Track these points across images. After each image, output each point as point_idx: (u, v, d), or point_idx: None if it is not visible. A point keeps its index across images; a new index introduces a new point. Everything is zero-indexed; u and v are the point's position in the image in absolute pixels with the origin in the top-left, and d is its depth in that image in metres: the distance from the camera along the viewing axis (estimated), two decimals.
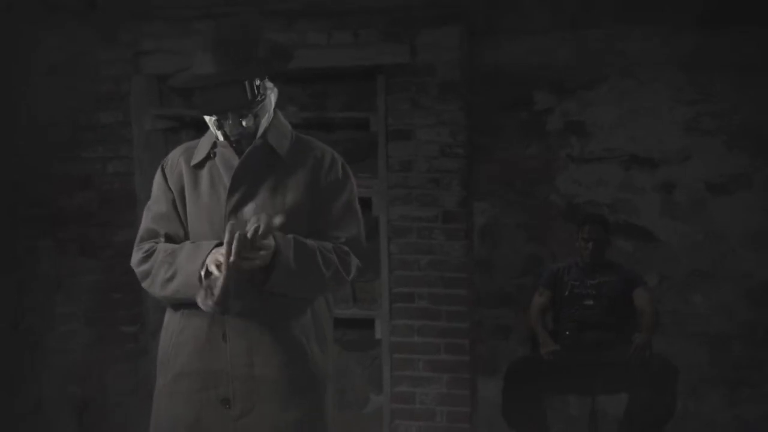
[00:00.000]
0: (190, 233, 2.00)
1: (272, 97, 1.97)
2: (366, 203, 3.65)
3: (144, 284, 2.02)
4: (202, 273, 1.84)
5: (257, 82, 1.88)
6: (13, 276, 3.86)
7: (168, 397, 1.98)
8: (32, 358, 3.91)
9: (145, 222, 2.07)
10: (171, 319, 2.01)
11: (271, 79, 1.99)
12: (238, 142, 1.95)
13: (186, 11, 3.63)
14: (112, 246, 3.77)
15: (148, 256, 2.00)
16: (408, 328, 3.62)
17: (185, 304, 1.95)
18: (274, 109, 2.00)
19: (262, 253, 1.79)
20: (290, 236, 1.88)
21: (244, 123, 1.92)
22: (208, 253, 1.85)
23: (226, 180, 1.95)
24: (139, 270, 2.02)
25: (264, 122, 1.96)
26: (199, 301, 1.82)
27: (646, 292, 3.58)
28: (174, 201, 2.02)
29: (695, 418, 3.76)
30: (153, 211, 2.06)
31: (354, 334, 3.82)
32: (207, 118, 1.96)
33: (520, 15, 3.79)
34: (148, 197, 3.86)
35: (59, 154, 3.79)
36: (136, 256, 2.04)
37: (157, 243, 2.01)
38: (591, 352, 3.49)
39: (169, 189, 2.03)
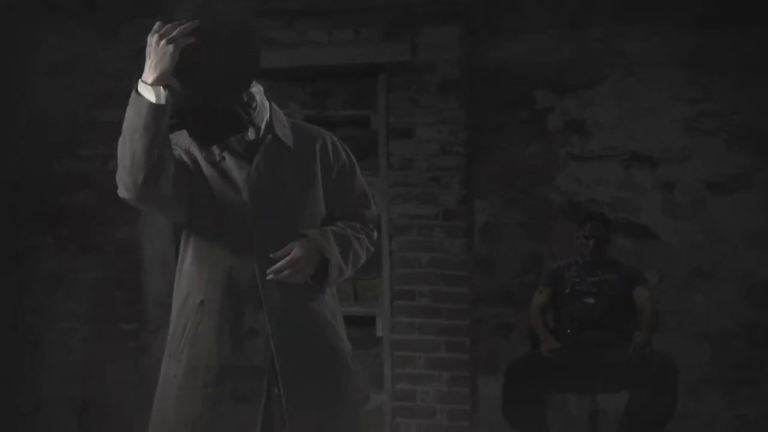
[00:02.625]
0: (194, 225, 1.94)
1: (259, 93, 1.93)
2: None
3: (123, 192, 1.81)
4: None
5: (245, 99, 1.86)
6: (14, 274, 3.87)
7: (178, 389, 1.92)
8: (32, 357, 3.91)
9: None
10: (186, 310, 1.94)
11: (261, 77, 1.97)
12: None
13: None
14: (112, 244, 3.77)
15: None
16: (409, 326, 3.63)
17: (204, 296, 1.90)
18: (268, 99, 1.97)
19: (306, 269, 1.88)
20: (329, 232, 1.93)
21: (248, 136, 1.90)
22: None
23: (239, 179, 1.91)
24: (118, 184, 1.81)
25: (264, 118, 1.94)
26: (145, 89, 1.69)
27: (647, 290, 3.57)
28: (187, 164, 1.89)
29: (695, 418, 3.76)
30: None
31: (355, 332, 3.79)
32: None
33: (520, 14, 3.80)
34: None
35: (59, 152, 3.79)
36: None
37: None
38: (591, 350, 3.48)
39: (185, 154, 1.91)
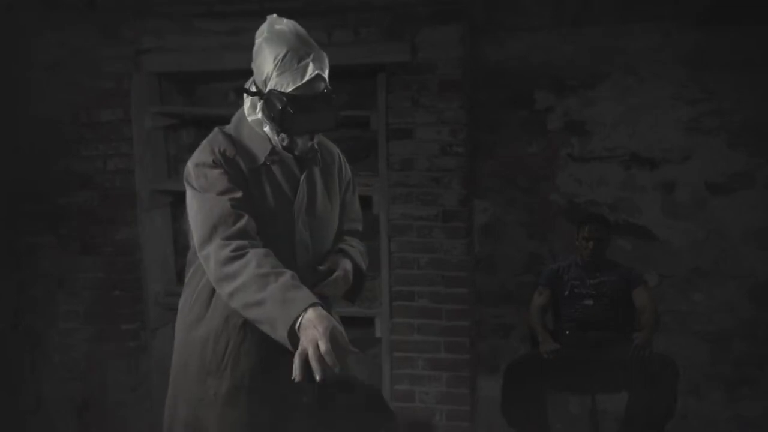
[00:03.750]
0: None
1: None
2: (366, 201, 3.65)
3: (221, 285, 1.79)
4: (293, 329, 1.71)
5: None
6: (14, 274, 3.87)
7: (221, 408, 1.90)
8: (32, 357, 3.91)
9: (221, 207, 1.81)
10: (228, 328, 1.91)
11: None
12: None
13: (187, 8, 3.63)
14: (112, 243, 3.78)
15: (238, 257, 1.76)
16: (408, 327, 3.63)
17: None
18: None
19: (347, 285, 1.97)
20: (357, 250, 2.06)
21: (315, 140, 1.90)
22: (302, 312, 1.69)
23: (287, 189, 1.91)
24: (224, 270, 1.77)
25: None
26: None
27: (647, 291, 3.57)
28: (245, 192, 1.85)
29: (696, 417, 3.76)
30: (226, 197, 1.82)
31: (354, 333, 3.79)
32: (259, 126, 1.90)
33: (521, 13, 3.79)
34: (149, 195, 3.86)
35: (60, 153, 3.79)
36: (222, 251, 1.77)
37: (247, 243, 1.79)
38: (591, 350, 3.48)
39: (237, 179, 1.86)
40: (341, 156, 2.12)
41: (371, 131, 3.60)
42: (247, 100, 1.92)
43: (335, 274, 1.93)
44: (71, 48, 3.72)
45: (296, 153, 1.89)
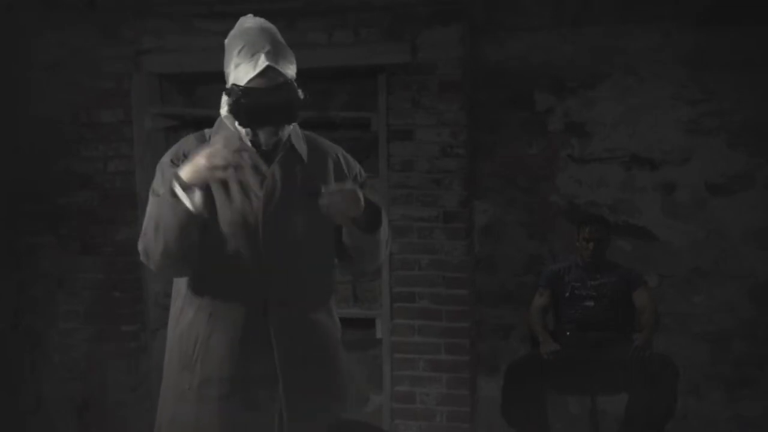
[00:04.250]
0: (211, 248, 1.90)
1: None
2: None
3: (147, 262, 1.88)
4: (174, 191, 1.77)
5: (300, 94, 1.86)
6: (14, 274, 3.87)
7: (196, 402, 1.92)
8: (32, 357, 3.91)
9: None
10: (196, 322, 1.93)
11: None
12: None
13: (187, 8, 3.62)
14: (112, 244, 3.77)
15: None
16: (408, 328, 3.63)
17: (213, 307, 1.90)
18: None
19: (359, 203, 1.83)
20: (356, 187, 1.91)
21: (280, 133, 1.89)
22: (173, 178, 1.77)
23: (256, 187, 1.90)
24: (140, 251, 1.88)
25: (290, 128, 1.93)
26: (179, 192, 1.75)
27: (647, 291, 3.57)
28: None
29: (696, 417, 3.76)
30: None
31: (355, 334, 3.81)
32: (230, 122, 1.90)
33: (521, 13, 3.79)
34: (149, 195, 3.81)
35: (60, 152, 3.79)
36: (139, 243, 1.89)
37: None
38: (591, 351, 3.48)
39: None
40: (344, 156, 2.07)
41: (371, 132, 3.60)
42: (223, 98, 1.94)
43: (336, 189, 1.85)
44: (71, 48, 3.72)
45: (263, 147, 1.90)
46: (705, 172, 3.72)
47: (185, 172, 1.76)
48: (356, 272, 2.05)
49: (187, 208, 1.75)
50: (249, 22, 1.92)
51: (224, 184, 1.88)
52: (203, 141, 1.95)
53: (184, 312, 1.96)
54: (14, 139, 3.80)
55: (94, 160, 3.76)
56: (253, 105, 1.80)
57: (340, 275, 3.89)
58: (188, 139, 2.00)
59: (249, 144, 1.90)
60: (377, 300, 3.73)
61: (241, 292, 1.89)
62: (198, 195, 1.76)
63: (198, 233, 1.81)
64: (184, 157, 1.89)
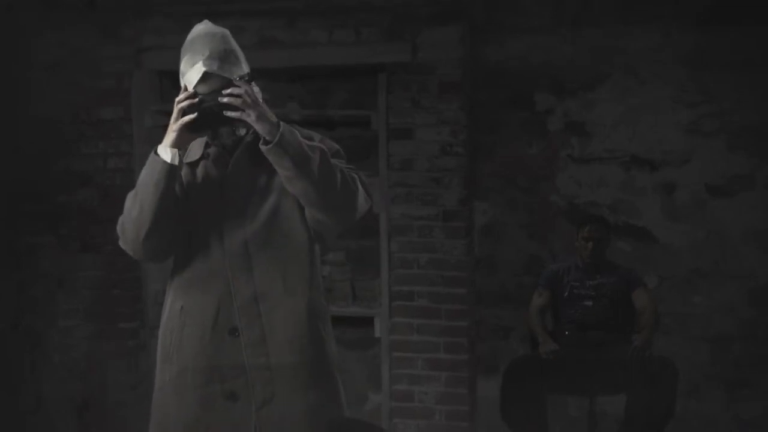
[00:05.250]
0: (182, 242, 1.97)
1: (258, 93, 1.93)
2: None
3: (123, 238, 1.93)
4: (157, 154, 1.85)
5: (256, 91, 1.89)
6: (14, 273, 3.87)
7: (173, 393, 1.97)
8: (32, 357, 3.91)
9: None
10: (171, 315, 2.00)
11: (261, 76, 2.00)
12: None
13: (187, 7, 3.62)
14: (112, 242, 3.70)
15: None
16: (407, 327, 3.63)
17: (185, 300, 1.96)
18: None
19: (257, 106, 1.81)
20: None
21: (238, 132, 1.94)
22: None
23: (217, 175, 1.96)
24: (118, 231, 1.94)
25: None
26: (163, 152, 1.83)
27: (646, 292, 3.57)
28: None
29: (696, 417, 3.76)
30: None
31: (353, 333, 3.82)
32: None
33: (521, 13, 3.79)
34: None
35: (60, 151, 3.79)
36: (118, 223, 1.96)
37: None
38: (590, 351, 3.48)
39: None
40: (321, 139, 2.01)
41: (371, 131, 3.61)
42: None
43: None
44: (71, 48, 3.72)
45: (224, 143, 1.95)
46: (705, 174, 3.72)
47: (167, 133, 1.85)
48: (330, 229, 1.98)
49: (164, 162, 1.82)
50: (197, 28, 1.99)
51: (194, 185, 1.96)
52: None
53: (167, 306, 2.02)
54: (14, 139, 3.80)
55: (94, 158, 3.77)
56: (200, 110, 1.84)
57: (341, 274, 3.92)
58: None
59: (212, 141, 1.97)
60: (376, 299, 3.73)
61: (209, 285, 1.94)
62: (177, 151, 1.84)
63: (173, 200, 1.86)
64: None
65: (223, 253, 1.93)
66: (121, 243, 1.95)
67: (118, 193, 3.69)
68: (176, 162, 1.84)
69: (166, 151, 1.84)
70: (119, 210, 3.75)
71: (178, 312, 1.97)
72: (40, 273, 3.86)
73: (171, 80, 3.88)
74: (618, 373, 3.42)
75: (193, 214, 1.96)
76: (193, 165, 2.00)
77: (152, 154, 1.85)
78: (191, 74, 1.90)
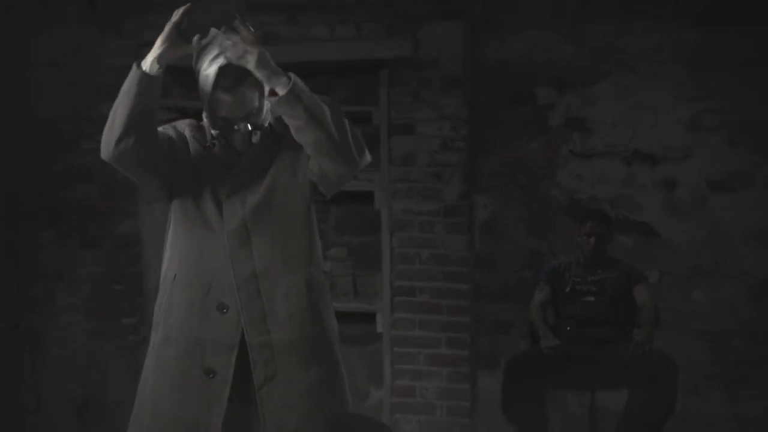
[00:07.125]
0: (174, 204, 2.02)
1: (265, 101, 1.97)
2: (368, 197, 3.66)
3: (103, 146, 1.95)
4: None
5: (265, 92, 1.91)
6: (14, 269, 3.86)
7: (154, 360, 2.01)
8: (32, 356, 3.90)
9: None
10: (165, 283, 2.03)
11: None
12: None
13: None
14: (112, 238, 3.77)
15: None
16: (409, 322, 3.63)
17: (178, 269, 1.99)
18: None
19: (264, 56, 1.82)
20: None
21: (253, 139, 1.98)
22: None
23: (223, 168, 1.99)
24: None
25: (268, 120, 2.01)
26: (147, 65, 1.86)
27: (647, 288, 3.57)
28: (174, 140, 2.03)
29: (696, 416, 3.75)
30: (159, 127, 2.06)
31: (355, 328, 3.82)
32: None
33: (521, 12, 3.80)
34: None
35: (60, 147, 3.79)
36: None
37: None
38: (591, 347, 3.48)
39: (180, 143, 2.04)
40: None
41: (373, 126, 3.61)
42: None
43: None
44: (71, 47, 3.73)
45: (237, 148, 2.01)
46: (705, 170, 3.73)
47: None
48: (334, 183, 1.98)
49: (142, 72, 1.83)
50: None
51: (198, 161, 1.99)
52: (200, 129, 2.07)
53: (161, 275, 2.06)
54: (14, 137, 3.80)
55: (94, 153, 3.73)
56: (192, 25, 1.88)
57: (342, 270, 3.91)
58: (185, 121, 2.13)
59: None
60: (378, 294, 3.73)
61: (204, 259, 1.96)
62: (156, 63, 1.84)
63: (149, 112, 1.87)
64: (175, 125, 2.07)
65: (221, 230, 1.95)
66: (101, 153, 1.97)
67: (119, 189, 3.73)
68: (154, 72, 1.84)
69: (146, 62, 1.85)
70: (119, 206, 3.77)
71: (170, 281, 2.00)
72: (40, 270, 3.85)
73: (171, 75, 3.88)
74: (618, 369, 3.42)
75: (195, 192, 1.99)
76: (201, 147, 2.02)
77: (134, 66, 1.86)
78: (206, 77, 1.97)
